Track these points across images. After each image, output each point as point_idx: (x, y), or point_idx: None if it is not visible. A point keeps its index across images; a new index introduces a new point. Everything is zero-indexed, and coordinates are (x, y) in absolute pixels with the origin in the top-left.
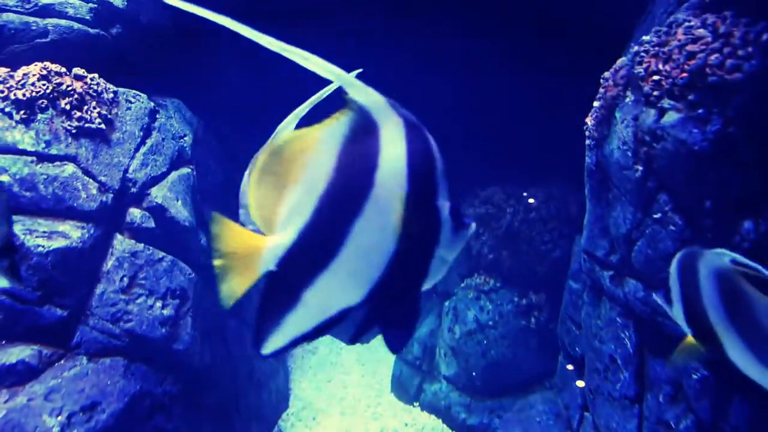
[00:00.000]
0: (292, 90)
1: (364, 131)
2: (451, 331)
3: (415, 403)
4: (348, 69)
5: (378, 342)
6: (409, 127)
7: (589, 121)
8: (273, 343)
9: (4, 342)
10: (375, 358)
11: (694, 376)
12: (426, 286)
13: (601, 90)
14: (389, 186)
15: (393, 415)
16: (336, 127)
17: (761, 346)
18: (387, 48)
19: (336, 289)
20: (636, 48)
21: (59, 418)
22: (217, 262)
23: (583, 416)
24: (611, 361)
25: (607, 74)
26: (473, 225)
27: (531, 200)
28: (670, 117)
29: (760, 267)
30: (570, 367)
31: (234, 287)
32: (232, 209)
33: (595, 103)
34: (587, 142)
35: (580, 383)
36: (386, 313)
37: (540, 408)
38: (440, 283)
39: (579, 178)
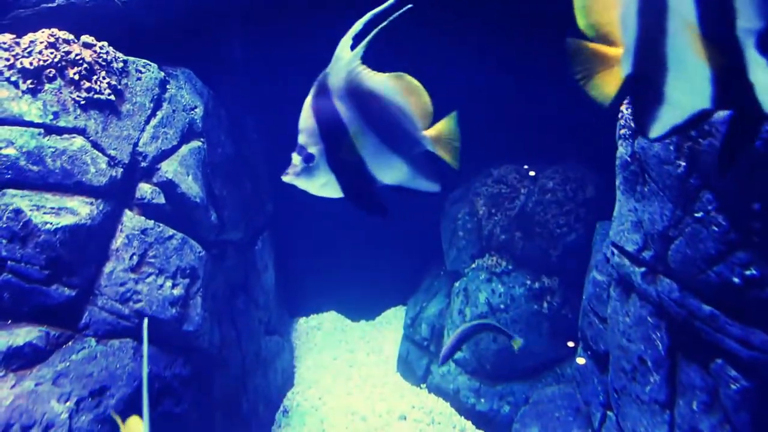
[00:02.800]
0: (300, 66)
1: None
2: (461, 314)
3: (422, 385)
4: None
5: (383, 319)
6: None
7: (624, 109)
8: (655, 131)
9: (9, 322)
10: (380, 336)
11: (734, 386)
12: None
13: None
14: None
15: (400, 396)
16: None
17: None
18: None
19: (686, 90)
20: None
21: (68, 404)
22: (580, 76)
23: (606, 415)
24: (640, 361)
25: None
26: None
27: (532, 172)
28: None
29: None
30: (581, 360)
31: (606, 90)
32: (243, 183)
33: None
34: (621, 131)
35: (581, 360)
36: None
37: (558, 403)
38: (449, 262)
39: (596, 160)
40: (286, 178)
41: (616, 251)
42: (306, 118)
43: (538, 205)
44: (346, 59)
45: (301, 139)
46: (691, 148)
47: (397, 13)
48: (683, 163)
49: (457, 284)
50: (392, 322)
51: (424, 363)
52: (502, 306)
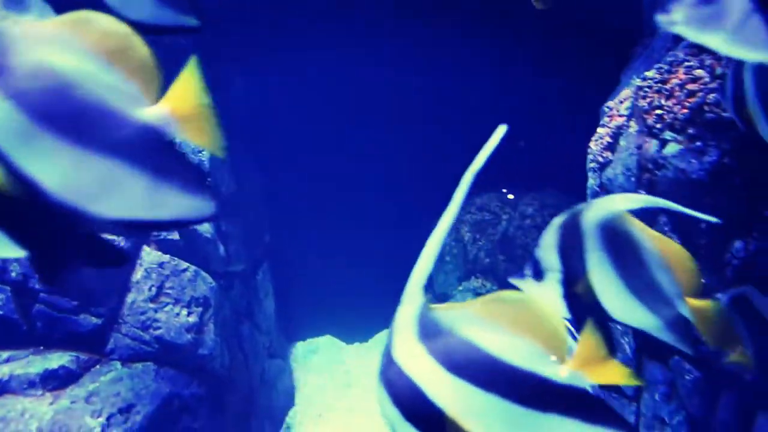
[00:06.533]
0: (294, 102)
1: None
2: None
3: None
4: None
5: (375, 341)
6: None
7: (593, 146)
8: None
9: (42, 348)
10: (375, 356)
11: (687, 377)
12: None
13: (606, 118)
14: None
15: None
16: None
17: (642, 289)
18: (387, 48)
19: None
20: (640, 82)
21: (100, 419)
22: None
23: None
24: None
25: (611, 104)
26: None
27: (510, 196)
28: (672, 148)
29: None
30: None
31: None
32: (244, 218)
33: (600, 130)
34: (591, 165)
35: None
36: None
37: None
38: (438, 286)
39: (571, 187)
40: None
41: None
42: None
43: (518, 229)
44: None
45: None
46: (649, 179)
47: None
48: (643, 192)
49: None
50: (384, 342)
51: None
52: None
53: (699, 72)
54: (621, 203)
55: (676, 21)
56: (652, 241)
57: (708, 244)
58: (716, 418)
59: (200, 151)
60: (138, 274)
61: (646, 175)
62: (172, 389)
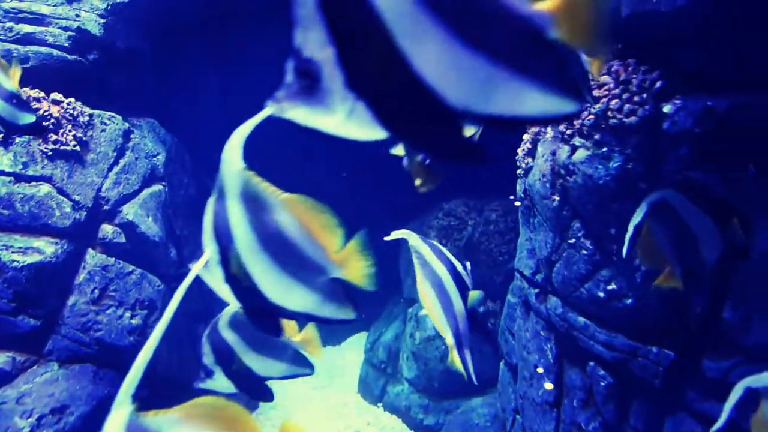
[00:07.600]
0: (258, 104)
1: None
2: (412, 337)
3: (378, 404)
4: None
5: (348, 344)
6: None
7: (519, 152)
8: None
9: None
10: (345, 360)
11: (602, 383)
12: None
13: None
14: None
15: (357, 414)
16: None
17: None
18: None
19: None
20: None
21: (29, 420)
22: None
23: (515, 419)
24: (536, 369)
25: None
26: None
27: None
28: (580, 154)
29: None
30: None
31: None
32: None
33: (524, 136)
34: (518, 171)
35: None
36: None
37: (480, 411)
38: (406, 290)
39: None
40: None
41: (518, 276)
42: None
43: (483, 235)
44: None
45: None
46: (562, 185)
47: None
48: (557, 198)
49: (410, 310)
50: (356, 347)
51: (381, 383)
52: None
53: (604, 78)
54: (231, 153)
55: (285, 108)
56: (286, 204)
57: (618, 249)
58: (629, 425)
59: (155, 155)
60: (81, 277)
61: (559, 181)
62: (111, 391)
